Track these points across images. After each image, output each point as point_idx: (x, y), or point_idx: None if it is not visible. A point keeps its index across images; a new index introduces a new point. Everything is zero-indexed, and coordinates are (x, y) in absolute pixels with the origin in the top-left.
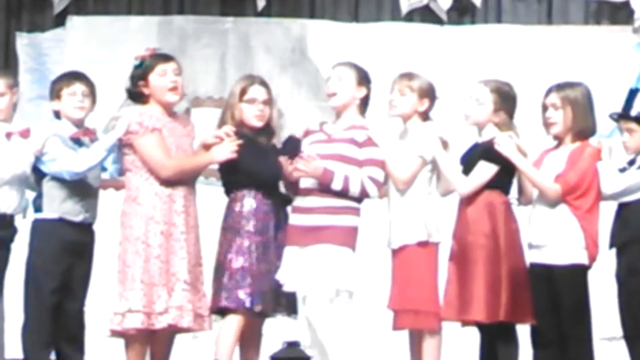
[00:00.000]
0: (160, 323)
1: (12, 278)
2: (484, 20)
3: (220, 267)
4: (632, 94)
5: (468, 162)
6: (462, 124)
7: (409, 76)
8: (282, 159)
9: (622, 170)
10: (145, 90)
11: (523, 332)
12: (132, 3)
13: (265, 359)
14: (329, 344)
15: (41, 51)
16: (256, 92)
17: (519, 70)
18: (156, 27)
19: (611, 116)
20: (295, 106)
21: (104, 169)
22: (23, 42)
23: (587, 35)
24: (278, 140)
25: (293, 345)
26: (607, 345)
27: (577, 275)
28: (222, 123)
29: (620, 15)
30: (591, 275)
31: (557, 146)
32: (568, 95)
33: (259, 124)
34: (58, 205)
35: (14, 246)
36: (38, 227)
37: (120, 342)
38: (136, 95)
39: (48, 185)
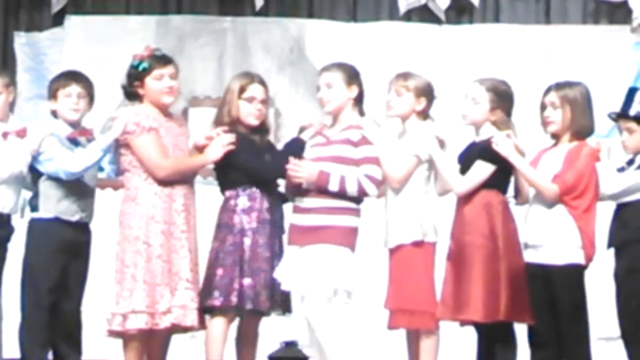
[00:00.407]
0: (164, 322)
1: (9, 277)
2: (482, 19)
3: (213, 265)
4: (631, 93)
5: (466, 161)
6: (460, 123)
7: (404, 76)
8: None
9: (621, 169)
10: (141, 91)
11: (520, 332)
12: (130, 2)
13: (262, 359)
14: (327, 343)
15: (39, 50)
16: (255, 90)
17: (518, 70)
18: (154, 26)
19: (610, 116)
20: (293, 105)
21: (101, 169)
22: (21, 41)
23: (585, 34)
24: (275, 139)
25: (291, 344)
26: (605, 345)
27: (573, 275)
28: (218, 120)
29: (619, 14)
30: (589, 275)
31: (555, 145)
32: (567, 95)
33: (255, 122)
34: (54, 204)
35: (11, 246)
36: (34, 226)
37: (118, 341)
38: (131, 94)
39: (44, 185)
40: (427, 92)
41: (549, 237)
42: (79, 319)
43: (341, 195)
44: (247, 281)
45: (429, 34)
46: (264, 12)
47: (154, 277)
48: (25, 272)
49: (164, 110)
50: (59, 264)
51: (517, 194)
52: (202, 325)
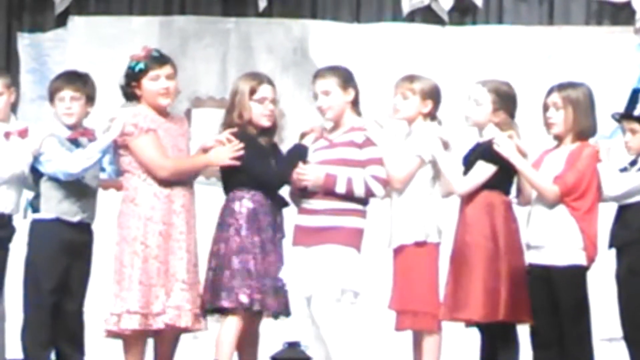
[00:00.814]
0: (157, 323)
1: (12, 278)
2: (486, 20)
3: (220, 266)
4: (635, 94)
5: (470, 163)
6: (464, 124)
7: (410, 79)
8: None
9: (623, 170)
10: (138, 92)
11: (523, 333)
12: (134, 3)
13: None
14: (333, 343)
15: (42, 51)
16: (266, 91)
17: (521, 71)
18: (157, 27)
19: (613, 116)
20: (297, 107)
21: (102, 170)
22: (24, 42)
23: (588, 35)
24: (279, 139)
25: (293, 345)
26: (607, 346)
27: (575, 276)
28: (227, 123)
29: (622, 15)
30: (591, 276)
31: (557, 146)
32: (569, 95)
33: (267, 123)
34: (55, 205)
35: (14, 247)
36: (36, 227)
37: (120, 342)
38: (129, 95)
39: (45, 186)
40: (433, 95)
41: (550, 238)
42: (81, 320)
43: (348, 197)
44: (254, 283)
45: (432, 35)
46: (267, 13)
47: (150, 278)
48: (27, 273)
49: (162, 111)
50: (61, 264)
51: (519, 194)
52: (200, 325)
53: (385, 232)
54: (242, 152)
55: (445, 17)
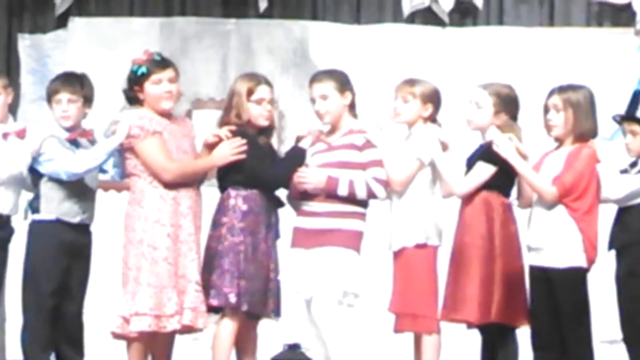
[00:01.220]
0: (172, 325)
1: (12, 280)
2: (486, 22)
3: (210, 265)
4: (635, 96)
5: (472, 164)
6: (465, 126)
7: (410, 82)
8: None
9: (623, 171)
10: (140, 96)
11: (523, 335)
12: (134, 4)
13: None
14: (334, 345)
15: (43, 52)
16: (264, 91)
17: (521, 72)
18: (158, 28)
19: (614, 118)
20: (297, 107)
21: (102, 171)
22: (25, 43)
23: (589, 37)
24: (279, 141)
25: (294, 347)
26: (608, 348)
27: (575, 278)
28: (225, 122)
29: (622, 17)
30: (592, 278)
31: (558, 148)
32: (570, 98)
33: (265, 123)
34: (56, 206)
35: (13, 248)
36: (36, 228)
37: (121, 343)
38: (132, 98)
39: (46, 187)
40: (433, 98)
41: (550, 240)
42: (81, 321)
43: (350, 199)
44: (243, 282)
45: (432, 36)
46: (267, 14)
47: (161, 280)
48: (27, 274)
49: (165, 114)
50: (61, 266)
51: (519, 196)
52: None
53: (385, 234)
54: (245, 147)
55: (446, 19)
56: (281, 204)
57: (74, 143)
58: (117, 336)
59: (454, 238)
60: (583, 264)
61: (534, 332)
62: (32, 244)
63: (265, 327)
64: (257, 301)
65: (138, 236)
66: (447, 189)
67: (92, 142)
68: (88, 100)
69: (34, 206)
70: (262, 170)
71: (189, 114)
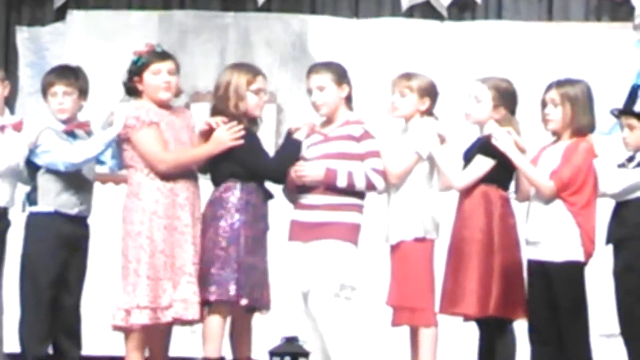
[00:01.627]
0: (166, 317)
1: (9, 272)
2: (485, 16)
3: (210, 258)
4: (634, 90)
5: (470, 158)
6: (463, 119)
7: (407, 76)
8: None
9: (621, 166)
10: (139, 86)
11: (521, 328)
12: None
13: (264, 354)
14: (331, 338)
15: (41, 45)
16: (262, 82)
17: (519, 67)
18: (156, 21)
19: (612, 112)
20: (295, 101)
21: (100, 162)
22: (23, 36)
23: (587, 31)
24: (277, 134)
25: (292, 340)
26: (605, 341)
27: (573, 272)
28: (219, 113)
29: (621, 11)
30: (589, 272)
31: (555, 142)
32: (568, 92)
33: (260, 113)
34: (53, 198)
35: (11, 240)
36: (33, 220)
37: (118, 335)
38: (131, 89)
39: (43, 179)
40: (430, 92)
41: (548, 234)
42: (78, 314)
43: (349, 190)
44: (242, 276)
45: (431, 30)
46: (266, 8)
47: (157, 272)
48: (25, 267)
49: (164, 105)
50: (59, 258)
51: (517, 190)
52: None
53: (382, 227)
54: (242, 132)
55: (444, 13)
56: (271, 196)
57: (71, 135)
58: (117, 328)
59: (452, 231)
60: (581, 258)
61: (532, 326)
62: (29, 236)
63: (262, 320)
64: (257, 295)
65: (136, 228)
66: (445, 182)
67: (89, 133)
68: (83, 92)
69: (31, 198)
70: (261, 162)
71: (187, 107)
